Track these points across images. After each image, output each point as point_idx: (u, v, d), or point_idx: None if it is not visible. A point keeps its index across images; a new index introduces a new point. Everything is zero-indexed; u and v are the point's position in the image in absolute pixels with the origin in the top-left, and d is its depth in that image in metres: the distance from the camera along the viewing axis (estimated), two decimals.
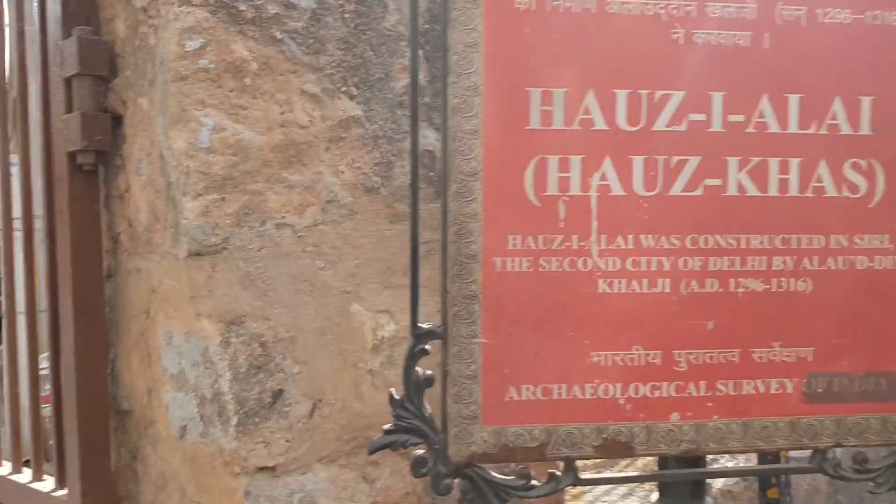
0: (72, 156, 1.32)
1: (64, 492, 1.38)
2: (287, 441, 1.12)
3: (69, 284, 1.32)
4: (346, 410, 1.17)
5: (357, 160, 1.21)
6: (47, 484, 1.46)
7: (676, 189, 0.95)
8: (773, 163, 0.96)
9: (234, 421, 1.11)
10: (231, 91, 1.14)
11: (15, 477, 1.53)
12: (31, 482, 1.48)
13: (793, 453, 1.56)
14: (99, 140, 1.30)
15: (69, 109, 1.32)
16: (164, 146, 1.16)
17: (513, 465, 0.98)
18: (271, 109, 1.16)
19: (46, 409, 1.58)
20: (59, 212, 1.34)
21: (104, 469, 1.33)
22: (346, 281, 1.19)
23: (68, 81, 1.32)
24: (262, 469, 1.11)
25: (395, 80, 1.25)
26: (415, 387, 0.95)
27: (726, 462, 1.96)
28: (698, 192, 0.95)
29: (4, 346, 1.85)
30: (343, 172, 1.20)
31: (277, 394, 1.13)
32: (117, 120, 1.33)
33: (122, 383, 1.37)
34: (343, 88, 1.21)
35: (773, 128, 0.95)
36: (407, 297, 1.25)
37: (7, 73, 1.67)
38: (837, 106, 0.96)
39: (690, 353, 0.96)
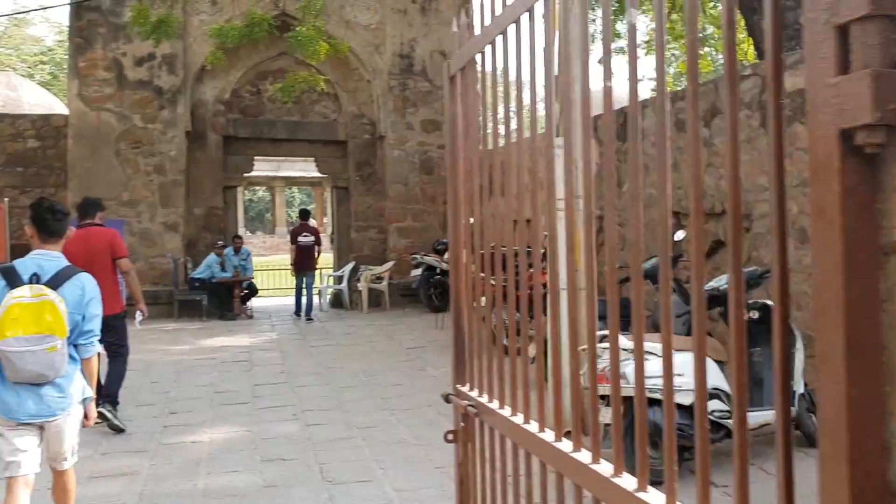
0: (845, 134, 0.95)
1: None
2: None
3: (839, 306, 0.96)
4: None
5: None
6: None
7: None
8: None
9: None
10: None
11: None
12: None
13: None
14: (893, 109, 0.91)
15: (843, 69, 0.95)
16: None
17: None
18: None
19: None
20: (821, 210, 0.99)
21: None
22: None
23: (843, 29, 0.95)
24: None
25: None
26: None
27: None
28: None
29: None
30: None
31: None
32: None
33: None
34: None
35: None
36: None
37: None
38: None
39: None
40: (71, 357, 3.43)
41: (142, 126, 12.62)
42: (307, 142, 14.20)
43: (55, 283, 3.40)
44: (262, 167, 23.69)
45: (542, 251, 2.99)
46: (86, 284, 3.53)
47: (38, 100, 17.80)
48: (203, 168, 13.31)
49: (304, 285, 12.81)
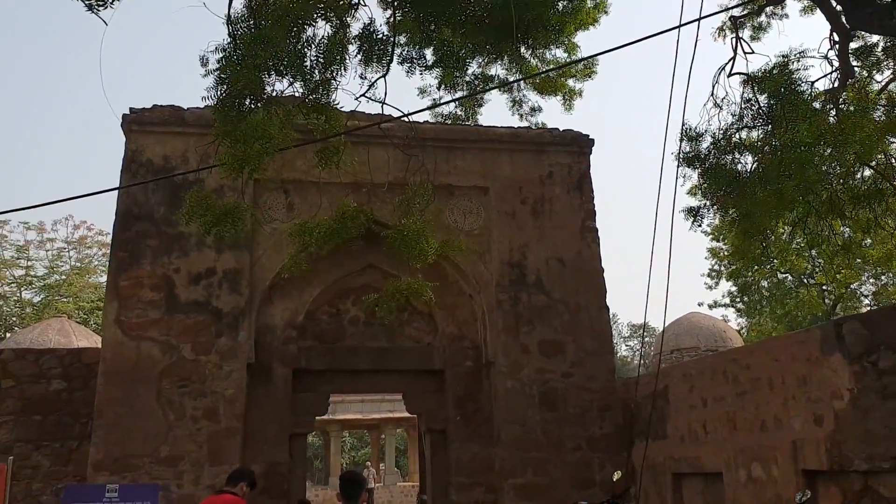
0: None
1: None
2: None
3: None
4: None
5: None
6: None
7: None
8: None
9: None
10: None
11: None
12: None
13: None
14: None
15: None
16: None
17: None
18: None
19: None
20: None
21: None
22: None
23: None
24: None
25: None
26: None
27: None
28: None
29: None
30: None
31: None
32: None
33: None
34: None
35: None
36: None
37: None
38: None
39: None
40: None
41: (192, 358, 9.90)
42: (395, 372, 11.28)
43: None
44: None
45: None
46: None
47: (90, 345, 15.61)
48: (266, 411, 10.34)
49: None
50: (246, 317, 10.19)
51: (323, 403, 11.07)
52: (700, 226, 11.39)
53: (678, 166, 10.33)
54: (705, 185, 10.85)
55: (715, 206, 11.71)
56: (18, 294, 31.41)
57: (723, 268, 28.54)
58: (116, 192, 10.45)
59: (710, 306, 29.82)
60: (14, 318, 30.84)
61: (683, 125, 10.45)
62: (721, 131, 10.81)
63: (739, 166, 10.85)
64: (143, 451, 9.42)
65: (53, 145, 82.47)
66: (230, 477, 6.46)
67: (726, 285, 29.25)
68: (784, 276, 25.43)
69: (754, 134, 11.07)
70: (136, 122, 10.58)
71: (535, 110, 12.98)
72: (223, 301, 10.16)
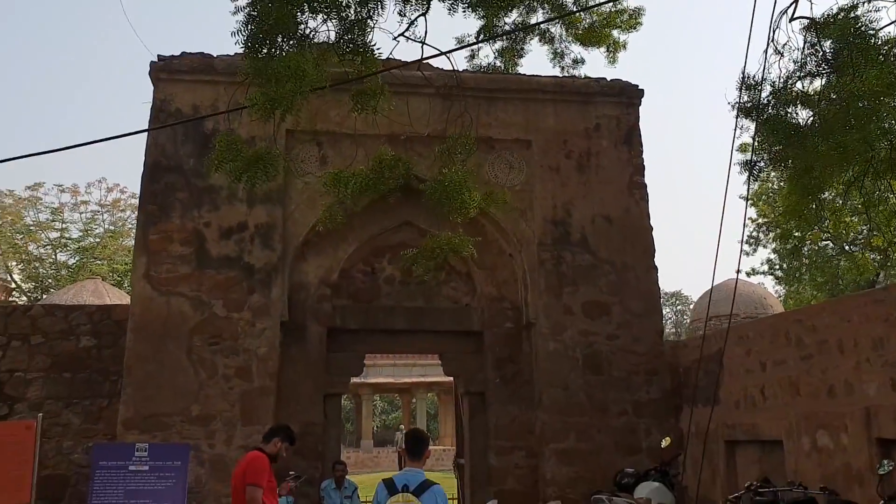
0: None
1: None
2: None
3: None
4: None
5: None
6: None
7: None
8: None
9: None
10: None
11: None
12: None
13: None
14: None
15: None
16: None
17: None
18: None
19: None
20: None
21: None
22: None
23: None
24: None
25: None
26: None
27: None
28: None
29: None
30: None
31: None
32: None
33: None
34: None
35: None
36: None
37: None
38: None
39: None
40: None
41: (224, 315, 9.56)
42: (432, 333, 10.87)
43: (418, 491, 4.63)
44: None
45: None
46: (437, 494, 4.63)
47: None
48: (299, 370, 10.02)
49: None
50: (279, 273, 9.81)
51: (358, 363, 10.71)
52: (756, 180, 10.72)
53: (737, 117, 9.67)
54: (761, 137, 10.17)
55: (771, 161, 10.99)
56: (54, 256, 31.60)
57: (762, 234, 27.57)
58: (145, 145, 10.08)
59: (748, 274, 28.96)
60: (50, 280, 31.06)
61: (743, 73, 9.73)
62: (781, 80, 10.07)
63: (800, 119, 10.13)
64: (174, 410, 9.15)
65: (86, 107, 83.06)
66: (265, 434, 6.24)
67: (764, 253, 28.29)
68: (826, 242, 24.45)
69: (817, 83, 10.31)
70: (165, 70, 10.15)
71: (577, 62, 12.27)
72: (255, 257, 9.79)
